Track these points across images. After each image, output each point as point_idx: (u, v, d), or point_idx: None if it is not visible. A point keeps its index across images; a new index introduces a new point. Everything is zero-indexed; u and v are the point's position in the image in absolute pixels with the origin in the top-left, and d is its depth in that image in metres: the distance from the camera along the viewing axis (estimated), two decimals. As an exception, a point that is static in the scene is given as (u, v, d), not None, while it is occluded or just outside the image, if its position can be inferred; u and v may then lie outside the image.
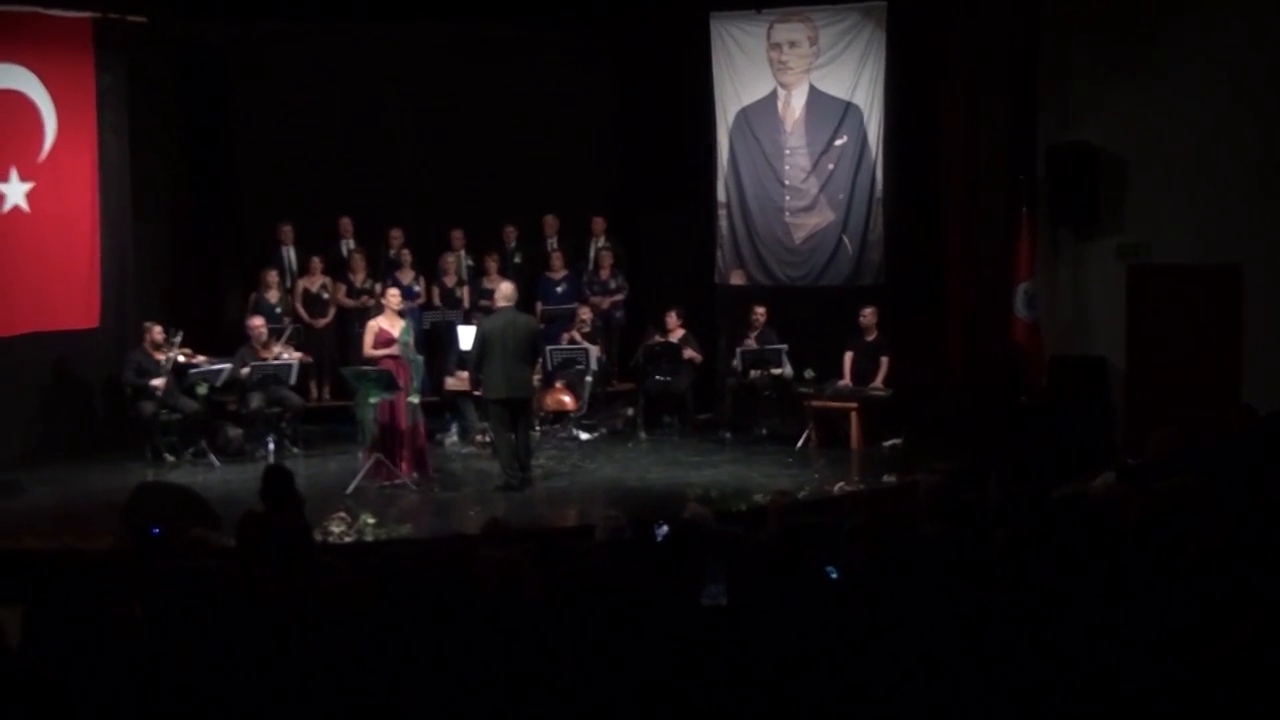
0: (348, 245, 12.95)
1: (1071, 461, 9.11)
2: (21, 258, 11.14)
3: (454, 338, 11.92)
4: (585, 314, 12.40)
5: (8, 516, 9.37)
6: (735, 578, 4.74)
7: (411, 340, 10.03)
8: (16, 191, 11.09)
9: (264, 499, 6.45)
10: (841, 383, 11.52)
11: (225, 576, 5.00)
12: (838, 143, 12.14)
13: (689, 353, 12.10)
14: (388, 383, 9.77)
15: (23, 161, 11.10)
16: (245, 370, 11.11)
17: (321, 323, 12.58)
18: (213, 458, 10.91)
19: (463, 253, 13.06)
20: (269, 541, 5.27)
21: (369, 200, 13.00)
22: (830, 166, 12.21)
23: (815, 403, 11.33)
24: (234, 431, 11.32)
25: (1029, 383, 11.02)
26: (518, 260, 13.13)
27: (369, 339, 9.96)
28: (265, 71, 12.89)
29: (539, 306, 12.67)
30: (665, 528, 6.33)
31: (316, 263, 12.57)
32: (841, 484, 9.62)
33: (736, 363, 11.67)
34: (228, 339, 11.96)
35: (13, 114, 11.06)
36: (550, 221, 13.25)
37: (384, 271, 12.75)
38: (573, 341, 12.06)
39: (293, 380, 11.24)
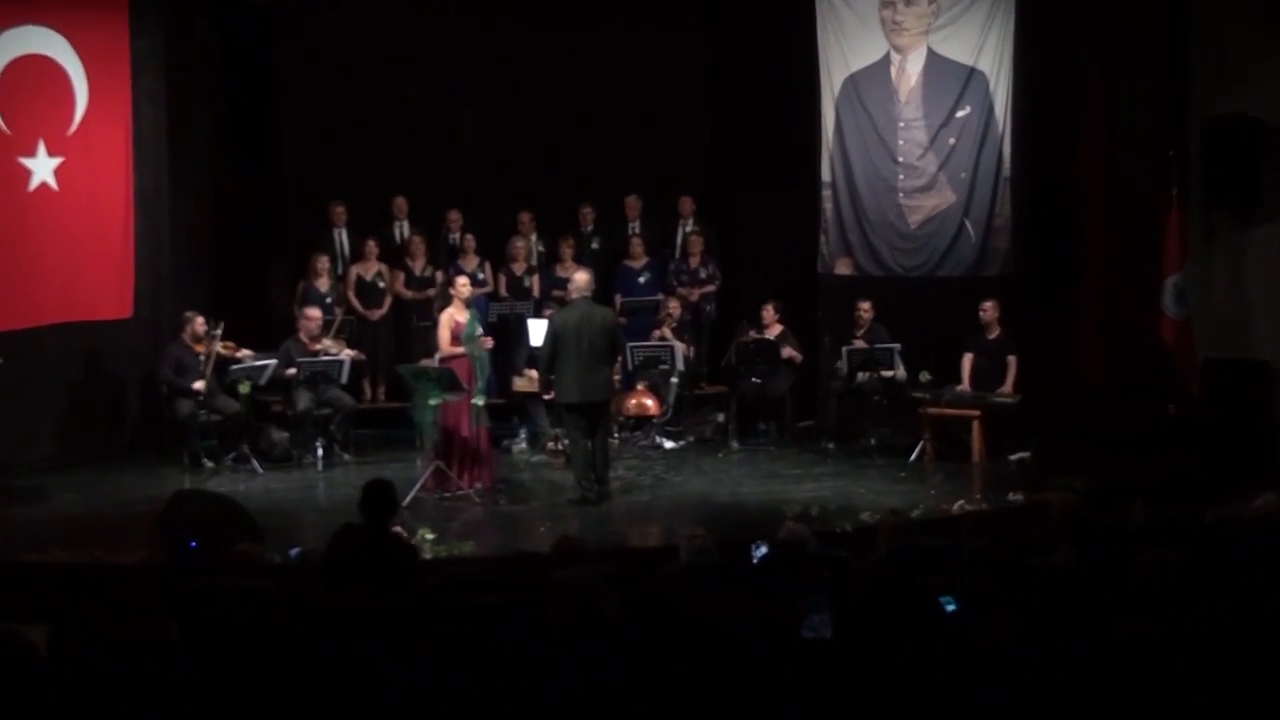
0: (402, 228, 13.11)
1: (1227, 480, 9.10)
2: (49, 241, 11.25)
3: (523, 332, 12.00)
4: (674, 306, 12.45)
5: (33, 526, 9.50)
6: (839, 608, 4.73)
7: (478, 334, 10.09)
8: (44, 167, 11.21)
9: (364, 511, 6.49)
10: (961, 387, 11.47)
11: (298, 596, 5.03)
12: (959, 114, 12.11)
13: (788, 351, 12.08)
14: (450, 382, 9.83)
15: (51, 134, 11.20)
16: (291, 370, 11.22)
17: (377, 314, 12.73)
18: (255, 463, 11.02)
19: (533, 237, 13.15)
20: (369, 559, 5.30)
21: (427, 179, 13.14)
22: (951, 141, 12.17)
23: (931, 410, 11.31)
24: (279, 435, 11.44)
25: (1178, 389, 10.94)
26: (595, 246, 13.21)
27: (444, 334, 10.02)
28: (315, 35, 13.02)
29: (618, 299, 12.72)
30: (760, 550, 6.33)
31: (371, 247, 12.70)
32: (961, 502, 9.63)
33: (842, 363, 11.68)
34: (273, 332, 12.07)
35: (40, 81, 11.15)
36: (632, 203, 13.31)
37: (445, 258, 12.91)
38: (661, 338, 12.11)
39: (344, 379, 11.33)
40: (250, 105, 12.79)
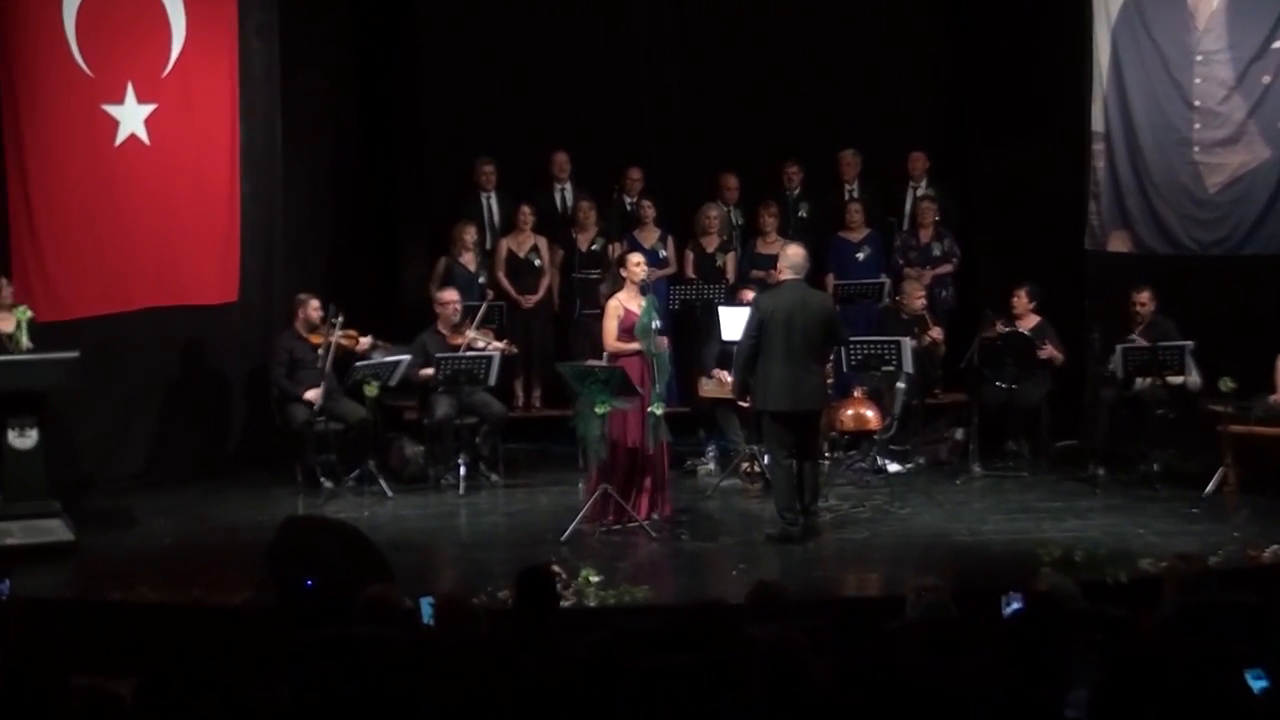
0: (563, 191, 13.28)
1: None
2: (140, 206, 11.34)
3: (713, 324, 11.94)
4: (917, 291, 12.42)
5: (118, 556, 9.64)
6: (1112, 680, 4.65)
7: (655, 326, 10.09)
8: (133, 116, 11.29)
9: (520, 609, 6.44)
10: (1275, 398, 11.27)
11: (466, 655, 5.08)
12: (1276, 45, 11.98)
13: (1046, 350, 11.90)
14: (622, 385, 9.87)
15: (141, 77, 11.27)
16: (427, 371, 11.30)
17: (532, 300, 12.86)
18: (384, 484, 11.16)
19: (732, 206, 13.25)
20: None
21: (596, 133, 13.34)
22: (1265, 80, 12.02)
23: (1234, 427, 11.13)
24: (412, 449, 11.63)
25: None
26: (802, 214, 13.27)
27: (611, 325, 10.08)
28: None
29: (829, 280, 12.73)
30: (1011, 605, 6.33)
31: (526, 214, 12.82)
32: (1275, 548, 9.51)
33: (1115, 366, 11.44)
34: (407, 320, 12.27)
35: (128, 13, 11.26)
36: (848, 159, 13.35)
37: (618, 230, 13.01)
38: (920, 329, 12.13)
39: (492, 379, 11.37)
40: (381, 42, 13.02)
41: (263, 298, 12.16)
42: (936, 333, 12.39)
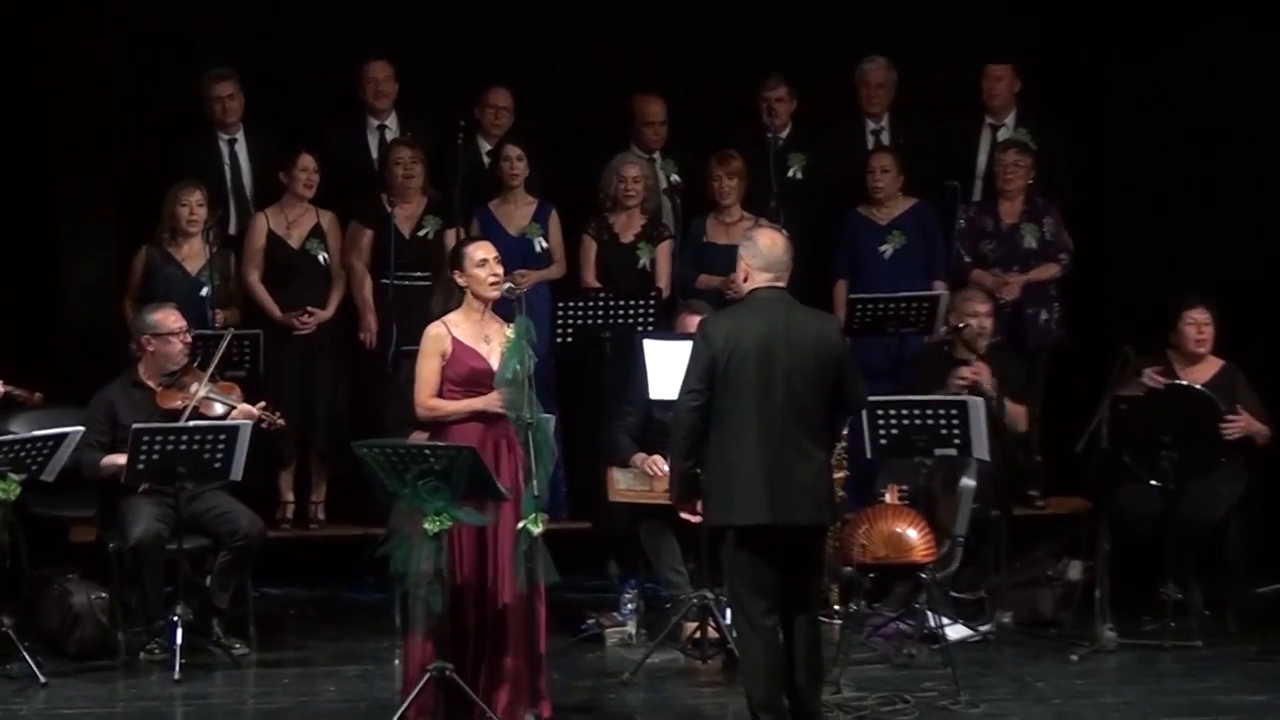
0: (381, 130, 12.95)
1: None
2: None
3: (634, 371, 11.45)
4: (978, 309, 11.67)
5: None
6: None
7: (525, 372, 9.36)
8: None
9: None
10: None
11: None
12: None
13: (1238, 421, 11.23)
14: (472, 480, 9.36)
15: None
16: (113, 458, 10.71)
17: (311, 321, 12.36)
18: (29, 658, 10.29)
19: (662, 158, 12.85)
20: None
21: (433, 31, 13.10)
22: None
23: None
24: (87, 596, 10.82)
25: None
26: (793, 173, 12.82)
27: (428, 369, 9.57)
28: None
29: (840, 291, 12.48)
30: None
31: (305, 170, 12.33)
32: None
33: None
34: (74, 361, 12.19)
35: None
36: (876, 76, 12.86)
37: (462, 200, 12.50)
38: (961, 383, 11.68)
39: (237, 472, 10.72)
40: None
41: None
42: (976, 369, 11.88)
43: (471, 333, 9.35)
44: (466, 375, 9.28)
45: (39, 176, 12.78)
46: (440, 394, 9.43)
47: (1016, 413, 11.73)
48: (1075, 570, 11.43)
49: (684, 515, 9.67)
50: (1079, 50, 13.39)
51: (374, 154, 12.82)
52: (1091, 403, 11.16)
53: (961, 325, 11.71)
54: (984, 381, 11.55)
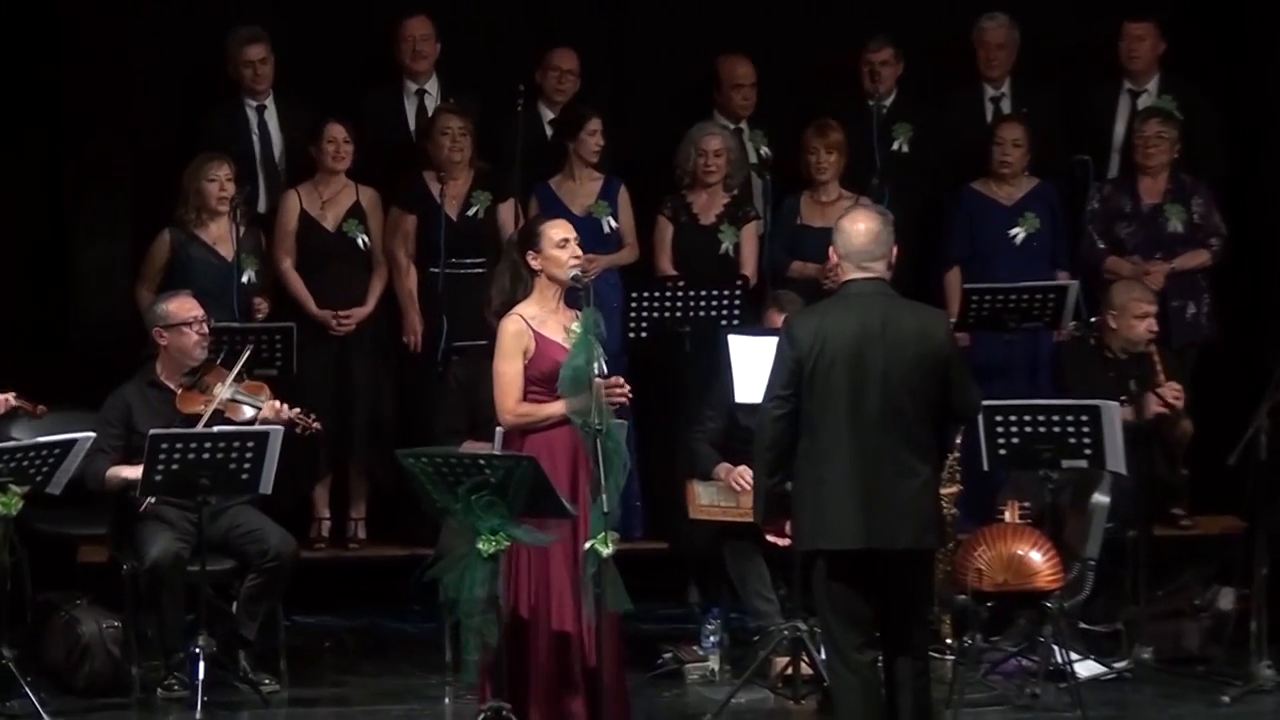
0: (421, 96, 12.99)
1: None
2: None
3: (717, 371, 11.45)
4: (1138, 304, 11.71)
5: None
6: None
7: (600, 372, 9.51)
8: None
9: None
10: None
11: None
12: None
13: None
14: (533, 496, 9.37)
15: None
16: (127, 470, 10.76)
17: (349, 320, 12.46)
18: (31, 695, 10.40)
19: (750, 128, 12.88)
20: None
21: None
22: None
23: None
24: (97, 624, 10.95)
25: None
26: (899, 145, 12.81)
27: (509, 370, 9.63)
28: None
29: (952, 279, 12.53)
30: None
31: (338, 141, 12.44)
32: None
33: None
34: (86, 360, 12.42)
35: None
36: (994, 37, 12.96)
37: (521, 177, 12.52)
38: (1141, 384, 11.71)
39: (267, 485, 10.78)
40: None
41: None
42: (1176, 393, 11.61)
43: (552, 324, 9.36)
44: (551, 372, 9.27)
45: (46, 152, 12.87)
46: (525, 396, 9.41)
47: (1186, 427, 11.70)
48: (1227, 599, 11.37)
49: (770, 538, 9.49)
50: (1232, 4, 13.32)
51: (411, 124, 12.77)
52: (1247, 409, 11.07)
53: (1103, 321, 11.66)
54: (1176, 401, 11.60)
